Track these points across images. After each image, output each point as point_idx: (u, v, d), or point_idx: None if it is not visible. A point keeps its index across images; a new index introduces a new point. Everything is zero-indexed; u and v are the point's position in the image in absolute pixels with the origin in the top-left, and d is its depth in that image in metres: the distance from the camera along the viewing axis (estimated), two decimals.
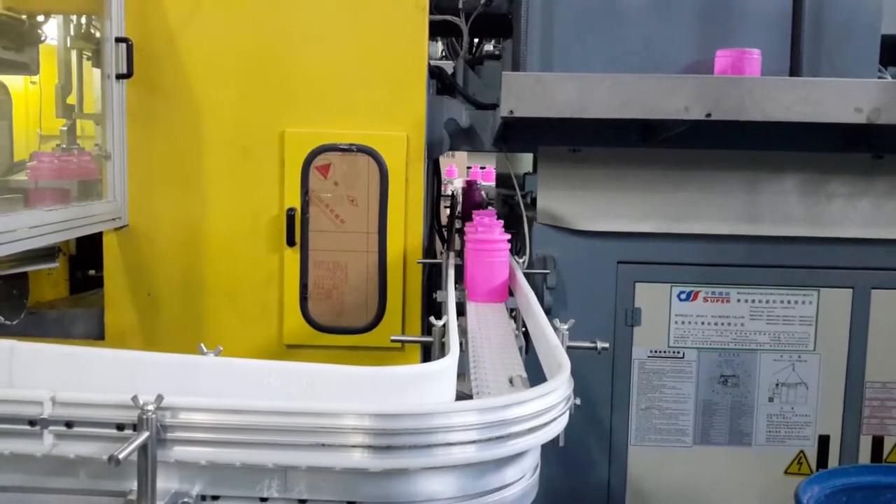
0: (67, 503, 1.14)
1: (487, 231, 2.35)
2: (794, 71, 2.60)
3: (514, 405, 1.12)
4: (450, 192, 5.62)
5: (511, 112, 2.39)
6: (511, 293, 2.34)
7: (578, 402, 1.36)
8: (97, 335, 2.98)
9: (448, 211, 4.78)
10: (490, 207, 3.57)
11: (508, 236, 2.39)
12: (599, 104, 2.39)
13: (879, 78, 2.78)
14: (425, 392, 1.33)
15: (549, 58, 2.70)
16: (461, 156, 8.47)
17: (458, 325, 1.86)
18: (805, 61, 2.59)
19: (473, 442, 1.09)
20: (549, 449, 1.26)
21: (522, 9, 2.57)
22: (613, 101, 2.39)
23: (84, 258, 3.42)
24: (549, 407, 1.17)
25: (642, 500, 2.89)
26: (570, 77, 2.43)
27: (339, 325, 2.90)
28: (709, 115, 2.35)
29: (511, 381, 1.53)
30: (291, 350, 2.90)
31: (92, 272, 3.37)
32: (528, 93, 2.39)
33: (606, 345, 1.74)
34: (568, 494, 2.89)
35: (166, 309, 2.93)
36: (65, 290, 3.46)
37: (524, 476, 1.21)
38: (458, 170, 8.61)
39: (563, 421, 1.21)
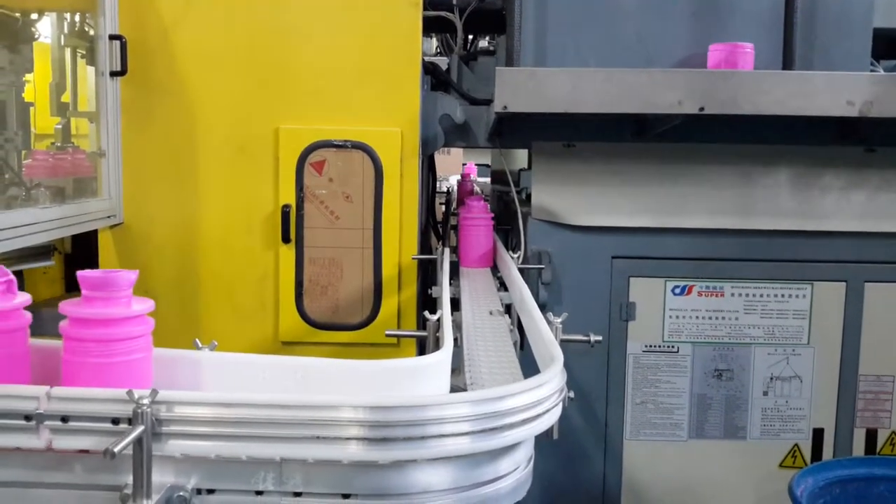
0: (64, 498, 1.14)
1: (474, 210, 2.79)
2: (787, 65, 2.61)
3: (507, 396, 1.12)
4: (445, 189, 5.63)
5: (505, 107, 2.40)
6: (505, 288, 2.35)
7: (572, 394, 1.37)
8: None
9: (444, 207, 4.79)
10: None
11: (491, 214, 2.78)
12: (593, 99, 2.40)
13: (872, 71, 2.80)
14: (419, 385, 1.34)
15: (543, 53, 2.71)
16: (456, 153, 8.44)
17: (453, 321, 1.87)
18: (798, 55, 2.61)
19: (467, 433, 1.09)
20: (545, 443, 1.27)
21: (516, 4, 2.58)
22: (607, 95, 2.39)
23: (80, 256, 3.42)
24: (543, 398, 1.17)
25: (637, 495, 2.90)
26: (564, 72, 2.44)
27: (335, 322, 2.90)
28: (702, 108, 2.36)
29: (491, 313, 1.88)
30: (287, 347, 2.90)
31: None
32: (521, 88, 2.40)
33: (600, 338, 1.75)
34: (564, 489, 2.89)
35: (162, 306, 2.86)
36: (60, 288, 3.46)
37: (518, 467, 1.21)
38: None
39: (557, 412, 1.21)
